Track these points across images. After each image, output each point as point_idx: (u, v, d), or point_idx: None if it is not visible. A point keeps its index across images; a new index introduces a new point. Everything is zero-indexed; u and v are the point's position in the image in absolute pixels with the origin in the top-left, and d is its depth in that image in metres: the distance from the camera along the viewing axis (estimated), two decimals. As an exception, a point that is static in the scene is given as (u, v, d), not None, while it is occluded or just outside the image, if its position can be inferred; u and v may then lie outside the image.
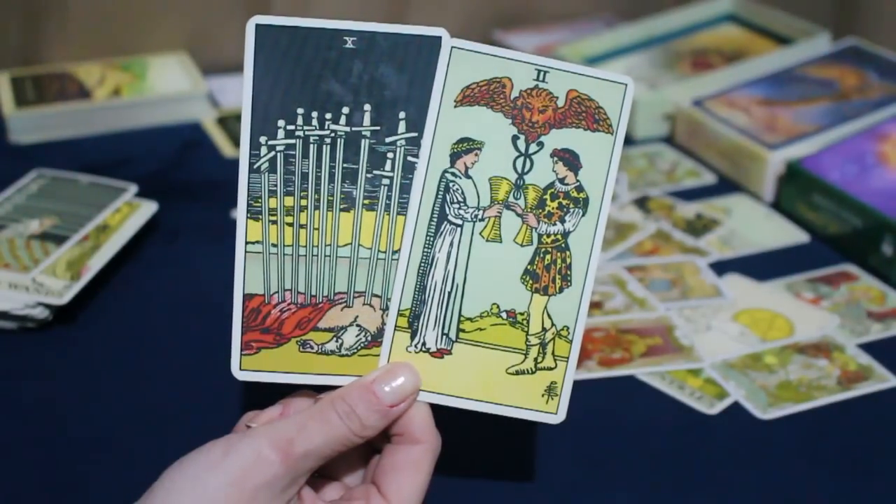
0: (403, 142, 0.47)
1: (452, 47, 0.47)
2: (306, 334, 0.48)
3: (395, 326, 0.48)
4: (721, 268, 0.77)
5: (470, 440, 0.56)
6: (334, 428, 0.44)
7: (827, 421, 0.62)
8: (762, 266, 0.78)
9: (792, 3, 1.14)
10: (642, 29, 1.12)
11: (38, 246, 0.72)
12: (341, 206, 0.48)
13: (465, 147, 0.47)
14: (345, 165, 0.47)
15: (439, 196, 0.47)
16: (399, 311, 0.48)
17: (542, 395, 0.48)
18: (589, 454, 0.59)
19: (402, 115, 0.47)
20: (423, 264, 0.48)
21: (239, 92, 1.08)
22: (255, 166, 0.47)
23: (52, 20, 1.09)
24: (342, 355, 0.48)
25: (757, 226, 0.84)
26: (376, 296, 0.48)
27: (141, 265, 0.77)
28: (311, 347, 0.48)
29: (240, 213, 0.47)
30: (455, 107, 0.47)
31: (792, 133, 0.89)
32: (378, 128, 0.47)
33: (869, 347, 0.68)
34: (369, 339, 0.48)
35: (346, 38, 0.46)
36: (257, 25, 0.46)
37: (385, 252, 0.48)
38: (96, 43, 1.11)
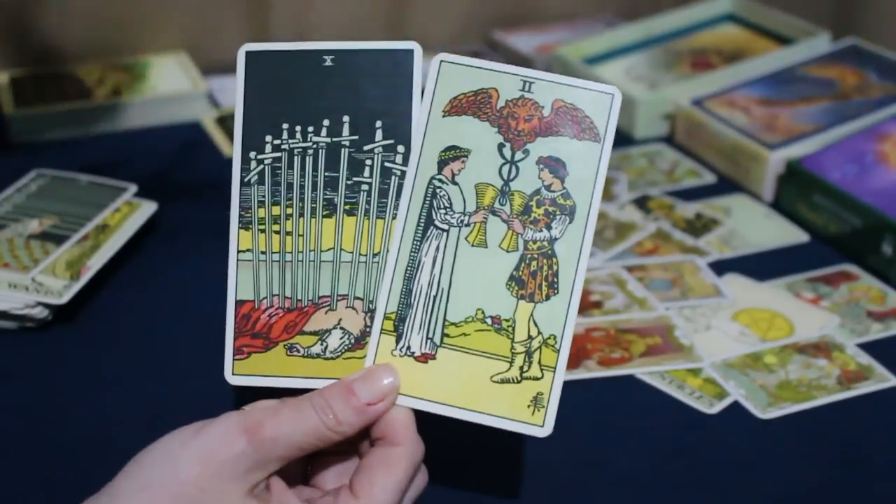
0: (380, 149, 0.49)
1: (441, 61, 0.49)
2: (293, 338, 0.49)
3: (381, 329, 0.48)
4: (721, 267, 0.77)
5: (468, 441, 0.56)
6: (307, 418, 0.44)
7: (827, 421, 0.62)
8: (762, 266, 0.78)
9: (792, 3, 1.14)
10: (642, 29, 1.12)
11: (38, 246, 0.72)
12: (324, 213, 0.50)
13: (453, 155, 0.49)
14: (326, 174, 0.50)
15: (426, 202, 0.49)
16: (385, 314, 0.48)
17: (528, 406, 0.47)
18: (588, 454, 0.59)
19: (378, 123, 0.49)
20: (409, 268, 0.48)
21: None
22: (246, 179, 0.50)
23: (52, 20, 1.09)
24: (327, 358, 0.49)
25: (757, 226, 0.84)
26: (358, 298, 0.49)
27: (141, 265, 0.77)
28: (298, 351, 0.49)
29: (232, 224, 0.50)
30: (443, 116, 0.49)
31: (792, 133, 0.89)
32: (356, 137, 0.50)
33: (869, 347, 0.68)
34: (353, 341, 0.49)
35: (325, 57, 0.50)
36: (247, 52, 0.50)
37: (366, 255, 0.49)
38: (96, 43, 1.11)
